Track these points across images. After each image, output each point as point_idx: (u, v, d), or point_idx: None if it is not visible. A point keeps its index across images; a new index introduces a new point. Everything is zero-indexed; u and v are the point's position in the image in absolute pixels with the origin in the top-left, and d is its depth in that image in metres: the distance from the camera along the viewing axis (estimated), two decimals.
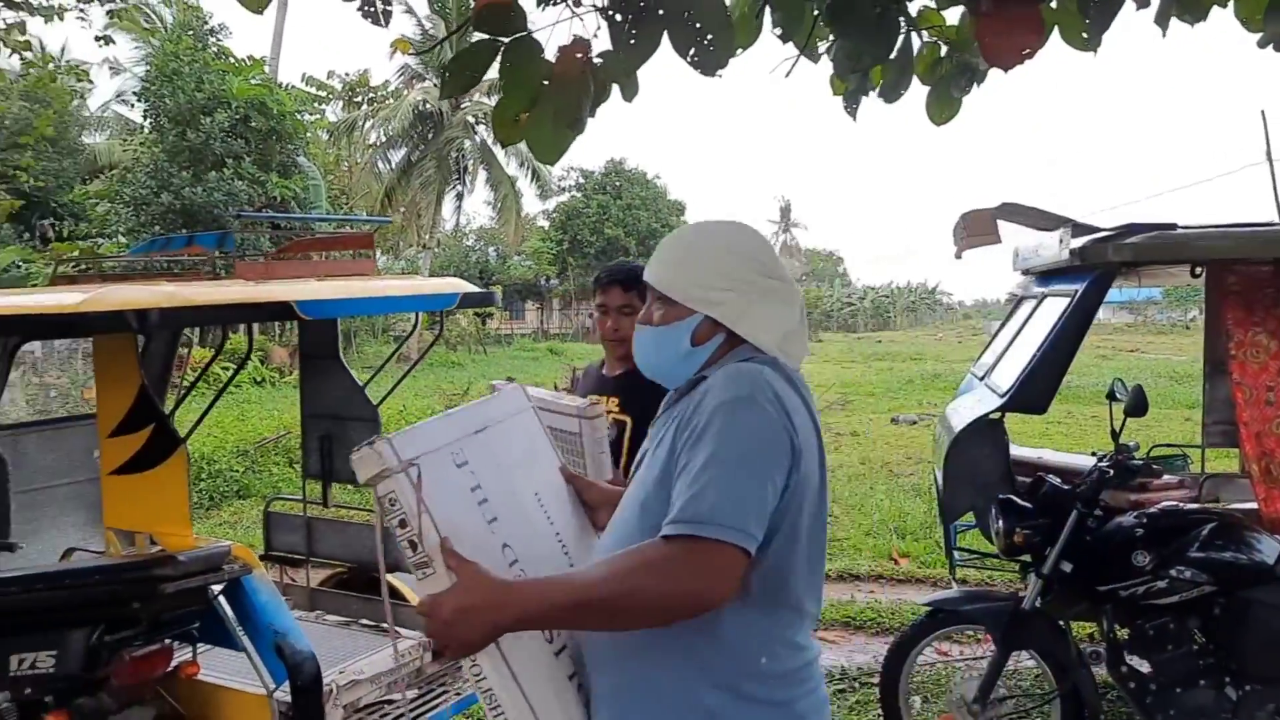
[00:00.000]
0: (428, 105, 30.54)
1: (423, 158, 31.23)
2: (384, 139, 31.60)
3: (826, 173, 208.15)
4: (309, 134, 23.85)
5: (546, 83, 2.34)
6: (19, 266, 23.21)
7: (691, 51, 2.28)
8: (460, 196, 35.42)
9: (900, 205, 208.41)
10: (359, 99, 31.11)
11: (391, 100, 30.92)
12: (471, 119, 31.51)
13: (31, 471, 4.35)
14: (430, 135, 31.32)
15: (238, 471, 10.70)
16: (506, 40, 2.31)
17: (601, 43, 2.36)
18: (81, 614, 3.06)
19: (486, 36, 2.33)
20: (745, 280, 1.79)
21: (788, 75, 3.00)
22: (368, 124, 31.40)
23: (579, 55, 2.34)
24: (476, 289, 4.21)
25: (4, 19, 15.32)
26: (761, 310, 1.79)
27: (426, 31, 29.82)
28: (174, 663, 3.21)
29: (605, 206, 43.29)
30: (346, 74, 32.95)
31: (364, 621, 4.38)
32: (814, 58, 2.98)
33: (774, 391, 1.66)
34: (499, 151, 32.39)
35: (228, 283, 3.61)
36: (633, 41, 2.34)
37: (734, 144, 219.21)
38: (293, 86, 24.88)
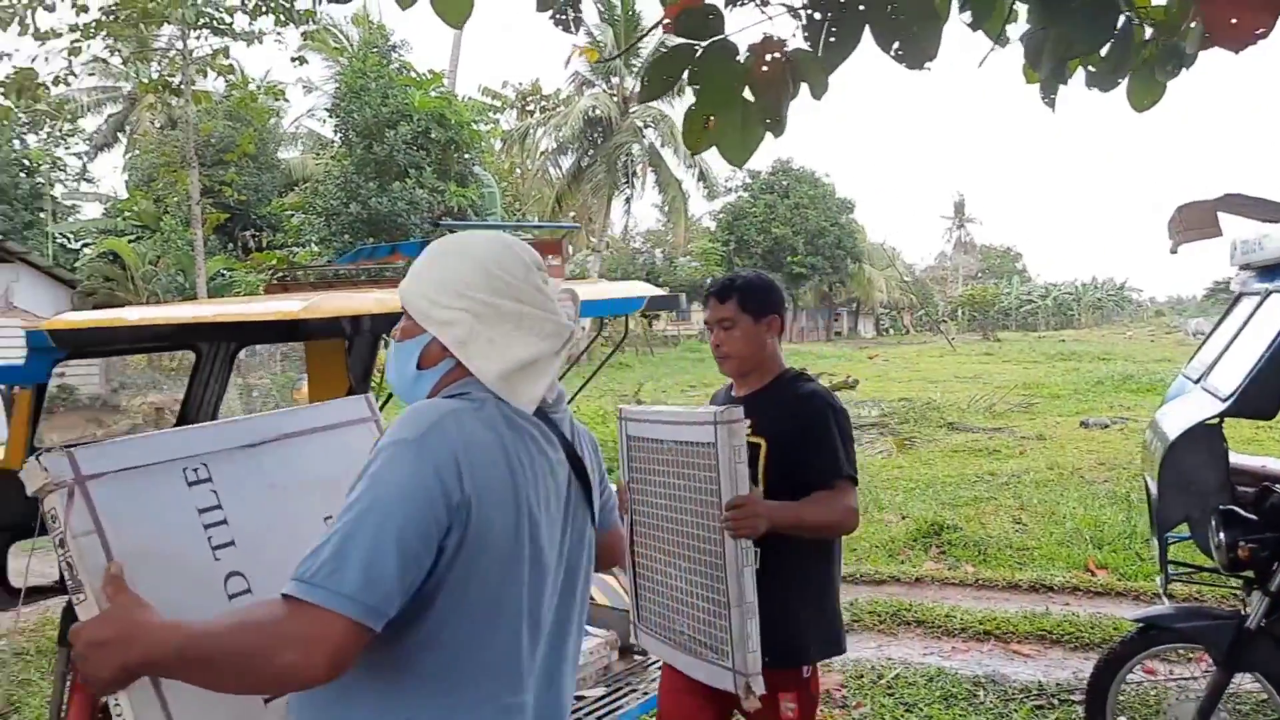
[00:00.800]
0: (597, 111, 31.15)
1: (592, 163, 31.87)
2: (555, 145, 32.40)
3: (1003, 166, 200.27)
4: (484, 143, 24.68)
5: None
6: (224, 275, 24.98)
7: (895, 45, 2.22)
8: (629, 200, 35.94)
9: (1084, 198, 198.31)
10: (531, 107, 32.01)
11: (562, 107, 31.68)
12: (640, 123, 31.93)
13: None
14: (600, 140, 31.94)
15: None
16: (704, 44, 2.32)
17: (794, 41, 2.34)
18: None
19: (684, 40, 2.34)
20: (481, 300, 1.51)
21: (980, 65, 2.89)
22: (539, 131, 32.27)
23: (777, 55, 2.32)
24: (660, 293, 4.24)
25: (210, 45, 16.51)
26: (493, 335, 1.52)
27: (595, 40, 30.41)
28: None
29: (772, 206, 43.06)
30: (520, 83, 33.97)
31: None
32: (1003, 43, 2.85)
33: (450, 436, 1.41)
34: (667, 154, 32.69)
35: None
36: (832, 39, 2.30)
37: (905, 138, 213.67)
38: (469, 98, 25.84)
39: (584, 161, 32.27)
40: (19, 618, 6.49)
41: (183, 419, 4.49)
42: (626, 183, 34.25)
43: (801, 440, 2.61)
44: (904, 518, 8.29)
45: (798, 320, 46.87)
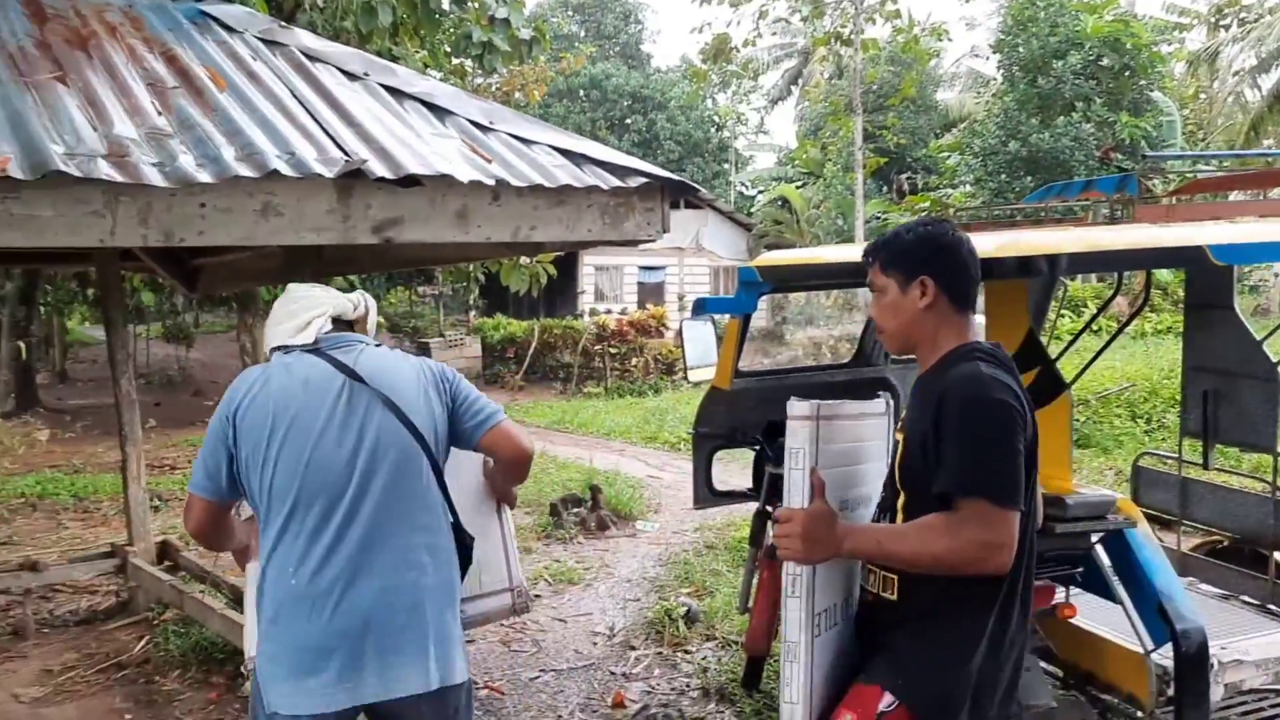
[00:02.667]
0: None
1: None
2: (1255, 62, 27.94)
3: None
4: (1164, 66, 22.20)
5: None
6: (878, 218, 25.94)
7: None
8: None
9: None
10: (1226, 21, 27.93)
11: (1267, 16, 27.15)
12: None
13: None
14: None
15: (1078, 421, 10.60)
16: None
17: None
18: None
19: None
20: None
21: None
22: (1234, 48, 28.06)
23: None
24: None
25: None
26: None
27: None
28: (1053, 602, 3.27)
29: None
30: None
31: (1245, 598, 3.98)
32: None
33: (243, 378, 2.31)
34: None
35: (1126, 227, 3.50)
36: None
37: None
38: (1150, 17, 23.36)
39: None
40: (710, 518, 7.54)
41: (860, 352, 4.77)
42: None
43: (930, 441, 2.00)
44: None
45: None
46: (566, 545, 7.11)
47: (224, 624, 4.59)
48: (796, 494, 1.98)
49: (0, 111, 2.21)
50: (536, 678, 4.71)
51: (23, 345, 15.35)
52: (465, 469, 2.62)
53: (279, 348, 2.32)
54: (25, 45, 2.55)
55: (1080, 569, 3.33)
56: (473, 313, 25.60)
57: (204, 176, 2.23)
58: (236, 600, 4.89)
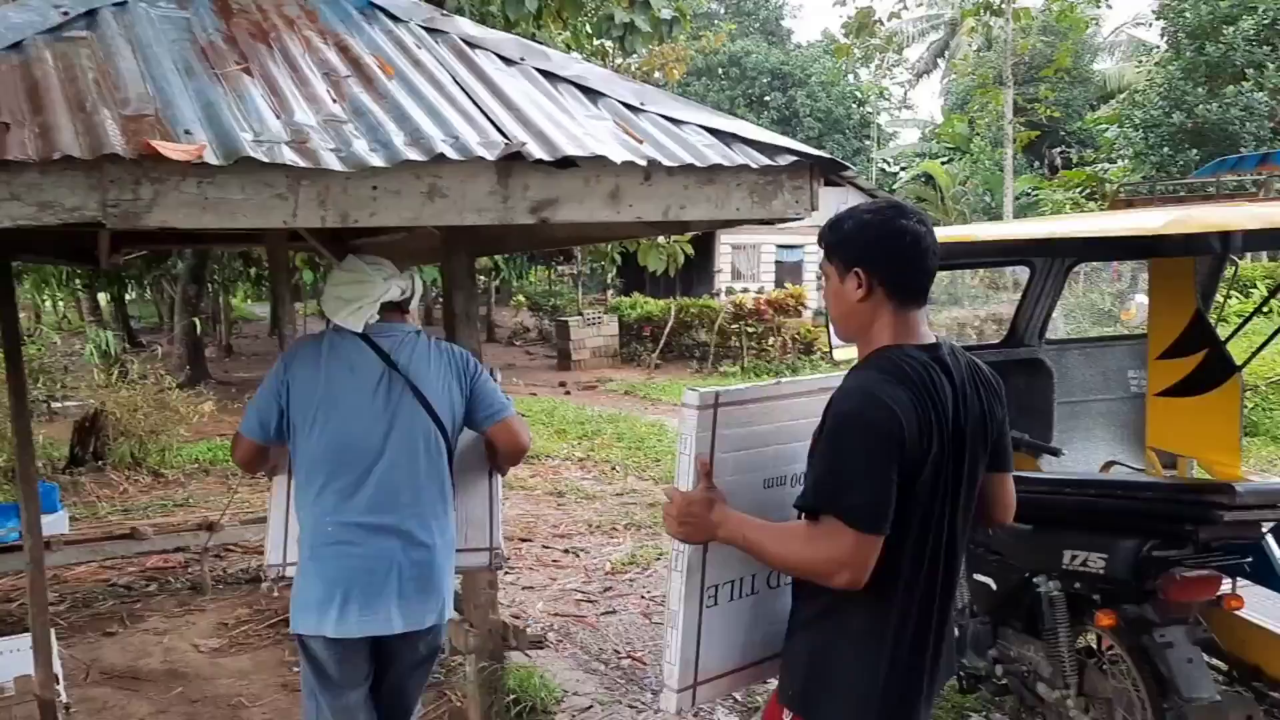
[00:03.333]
0: None
1: None
2: None
3: None
4: None
5: None
6: (1029, 194, 24.98)
7: None
8: None
9: None
10: None
11: None
12: None
13: (1072, 385, 4.65)
14: None
15: (1246, 407, 10.02)
16: None
17: None
18: (1132, 524, 3.19)
19: None
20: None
21: None
22: None
23: None
24: None
25: None
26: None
27: None
28: (1219, 592, 3.14)
29: None
30: None
31: None
32: None
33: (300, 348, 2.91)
34: None
35: None
36: None
37: None
38: None
39: None
40: None
41: (1013, 332, 4.65)
42: None
43: (814, 446, 1.98)
44: None
45: None
46: None
47: None
48: (683, 477, 2.08)
49: (196, 102, 2.38)
50: None
51: (196, 321, 16.38)
52: (467, 435, 3.07)
53: (335, 328, 2.87)
54: (215, 39, 2.73)
55: (1249, 559, 3.20)
56: (610, 291, 25.94)
57: (376, 161, 2.35)
58: None
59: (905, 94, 39.37)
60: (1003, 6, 20.05)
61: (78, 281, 16.48)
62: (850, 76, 36.82)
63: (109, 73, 2.41)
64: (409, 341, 2.88)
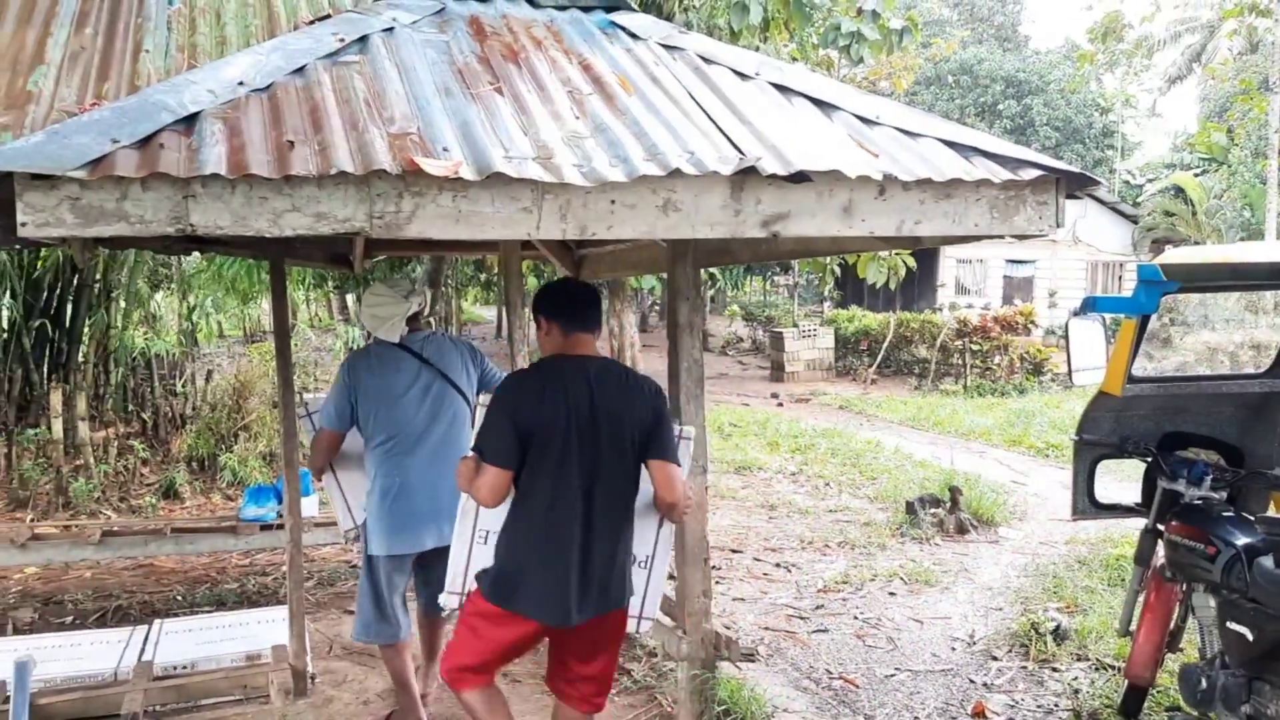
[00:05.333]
0: None
1: None
2: None
3: None
4: None
5: None
6: None
7: None
8: None
9: None
10: None
11: None
12: None
13: None
14: None
15: None
16: None
17: None
18: None
19: None
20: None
21: None
22: None
23: None
24: None
25: None
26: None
27: None
28: None
29: None
30: None
31: None
32: None
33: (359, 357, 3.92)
34: None
35: None
36: None
37: None
38: None
39: None
40: (1076, 531, 7.04)
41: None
42: None
43: None
44: None
45: None
46: (923, 545, 6.95)
47: None
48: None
49: (453, 120, 2.54)
50: (892, 675, 4.67)
51: (431, 322, 17.40)
52: None
53: (377, 340, 3.90)
54: (470, 61, 2.90)
55: None
56: (827, 304, 25.58)
57: (616, 176, 2.42)
58: None
59: (1154, 102, 36.66)
60: (1270, 6, 18.39)
61: (329, 283, 17.86)
62: (1093, 83, 34.74)
63: (378, 94, 2.61)
64: (432, 340, 3.96)
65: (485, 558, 3.11)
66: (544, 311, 3.13)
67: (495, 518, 3.04)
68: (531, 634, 3.03)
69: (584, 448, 2.91)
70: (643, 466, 3.03)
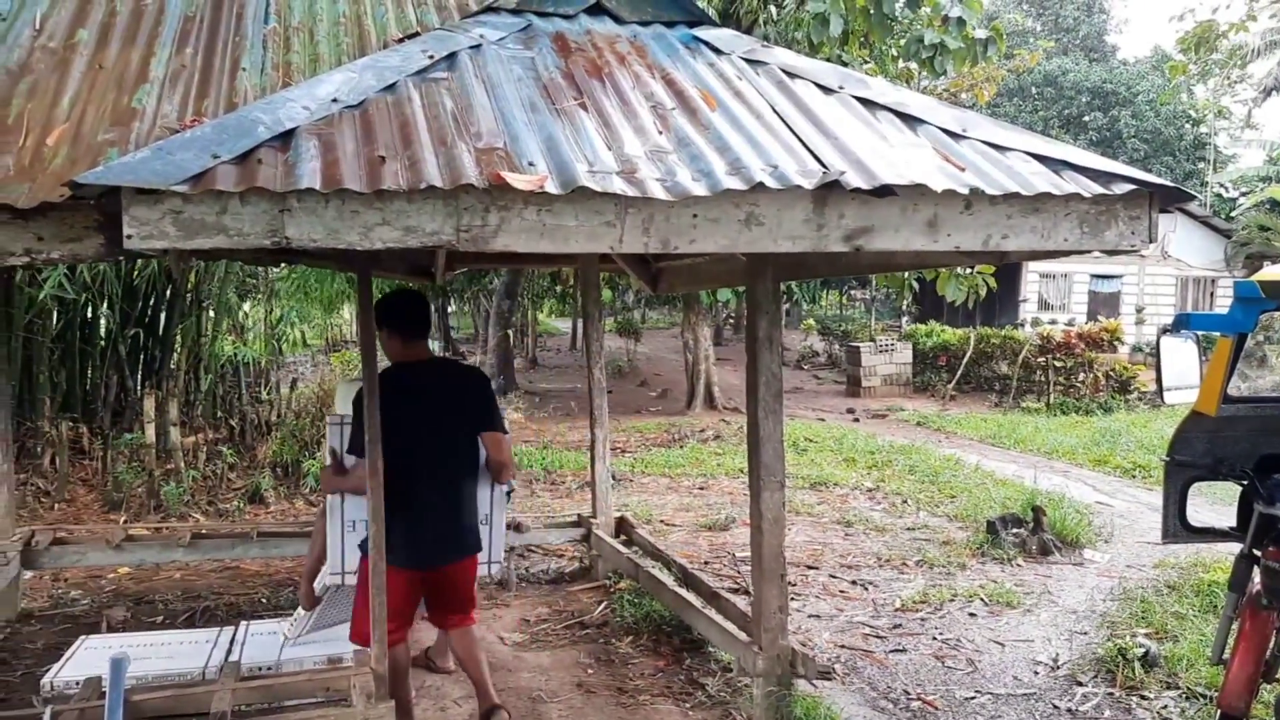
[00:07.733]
0: None
1: None
2: None
3: None
4: None
5: None
6: None
7: None
8: None
9: None
10: None
11: None
12: None
13: None
14: None
15: None
16: None
17: None
18: None
19: None
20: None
21: None
22: None
23: None
24: None
25: None
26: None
27: None
28: None
29: None
30: None
31: None
32: None
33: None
34: None
35: None
36: None
37: None
38: None
39: None
40: (1170, 554, 6.82)
41: None
42: None
43: None
44: None
45: None
46: (1004, 566, 6.79)
47: (674, 599, 4.95)
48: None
49: (538, 135, 2.57)
50: (972, 698, 4.57)
51: (508, 333, 17.61)
52: None
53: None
54: (554, 76, 2.95)
55: None
56: (904, 318, 25.22)
57: (698, 190, 2.43)
58: (685, 578, 5.27)
59: (1249, 113, 35.41)
60: None
61: None
62: (1183, 95, 33.77)
63: (465, 109, 2.66)
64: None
65: (354, 542, 3.80)
66: (385, 324, 3.73)
67: (359, 507, 3.65)
68: (407, 582, 3.72)
69: (437, 430, 3.70)
70: (478, 438, 3.84)
